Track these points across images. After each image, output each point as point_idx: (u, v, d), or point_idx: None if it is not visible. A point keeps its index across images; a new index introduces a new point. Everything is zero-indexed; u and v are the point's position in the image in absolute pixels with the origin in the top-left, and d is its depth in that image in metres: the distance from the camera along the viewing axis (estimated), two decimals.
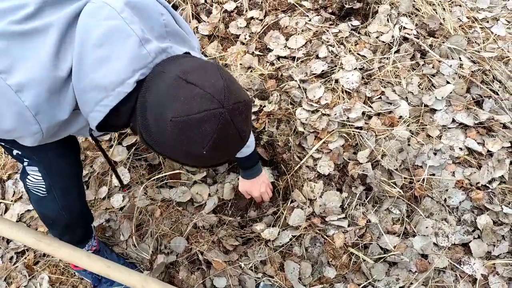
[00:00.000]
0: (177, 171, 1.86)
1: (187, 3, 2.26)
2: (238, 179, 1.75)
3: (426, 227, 1.63)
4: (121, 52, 0.90)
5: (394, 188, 1.69)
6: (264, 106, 1.90)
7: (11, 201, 1.83)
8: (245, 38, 2.14)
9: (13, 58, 0.88)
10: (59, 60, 0.92)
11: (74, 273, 1.64)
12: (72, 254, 1.20)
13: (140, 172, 1.88)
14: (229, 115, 0.86)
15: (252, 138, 1.56)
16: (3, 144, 1.19)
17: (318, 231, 1.64)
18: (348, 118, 1.83)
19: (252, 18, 2.23)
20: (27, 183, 1.27)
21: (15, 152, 1.20)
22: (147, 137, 0.92)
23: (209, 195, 1.84)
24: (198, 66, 0.90)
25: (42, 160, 1.22)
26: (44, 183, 1.24)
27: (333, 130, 1.82)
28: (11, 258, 1.69)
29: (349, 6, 2.16)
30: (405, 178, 1.71)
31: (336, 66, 1.99)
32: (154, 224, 1.72)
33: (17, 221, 1.77)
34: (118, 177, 1.30)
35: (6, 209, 1.83)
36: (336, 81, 1.94)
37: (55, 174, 1.25)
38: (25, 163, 1.22)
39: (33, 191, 1.27)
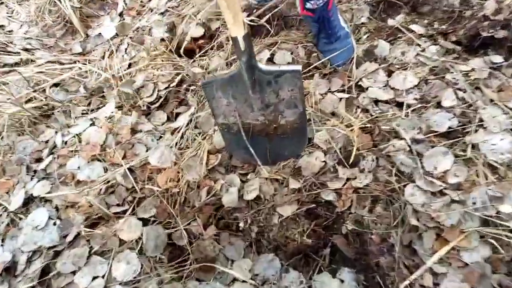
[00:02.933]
0: (209, 263, 1.20)
1: None
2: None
3: None
4: None
5: None
6: (354, 178, 1.22)
7: None
8: (330, 69, 1.50)
9: None
10: None
11: None
12: None
13: (156, 258, 1.25)
14: None
15: None
16: None
17: None
18: (498, 212, 1.10)
19: None
20: None
21: None
22: None
23: None
24: None
25: None
26: None
27: (471, 229, 1.10)
28: None
29: (488, 35, 1.45)
30: None
31: (470, 122, 1.28)
32: None
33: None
34: None
35: None
36: (473, 146, 1.23)
37: None
38: None
39: None
